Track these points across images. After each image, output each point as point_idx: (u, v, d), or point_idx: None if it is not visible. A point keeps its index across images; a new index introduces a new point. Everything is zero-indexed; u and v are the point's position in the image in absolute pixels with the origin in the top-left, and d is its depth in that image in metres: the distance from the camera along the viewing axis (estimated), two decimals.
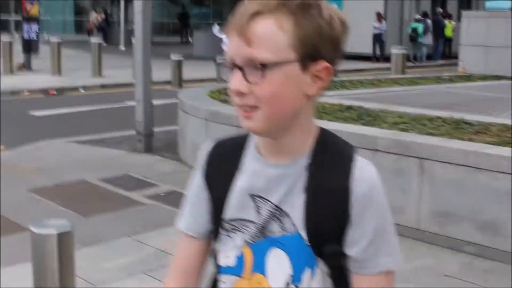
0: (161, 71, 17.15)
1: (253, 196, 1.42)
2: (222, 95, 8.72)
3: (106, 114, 12.80)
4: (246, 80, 1.31)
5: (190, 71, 18.14)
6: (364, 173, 1.37)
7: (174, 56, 16.73)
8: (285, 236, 1.39)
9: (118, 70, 19.14)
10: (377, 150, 5.80)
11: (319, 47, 1.33)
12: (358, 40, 26.54)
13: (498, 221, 5.15)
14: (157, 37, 31.69)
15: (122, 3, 29.54)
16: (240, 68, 1.31)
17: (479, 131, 6.30)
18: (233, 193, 1.44)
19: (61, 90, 16.07)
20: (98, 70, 18.42)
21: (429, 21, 26.02)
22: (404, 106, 8.07)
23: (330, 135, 1.44)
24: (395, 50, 16.64)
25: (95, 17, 34.66)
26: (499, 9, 22.01)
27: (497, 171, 5.08)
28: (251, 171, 1.43)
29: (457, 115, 7.09)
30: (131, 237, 5.55)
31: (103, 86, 17.05)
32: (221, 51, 20.29)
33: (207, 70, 18.72)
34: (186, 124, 8.08)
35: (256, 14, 1.31)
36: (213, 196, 1.48)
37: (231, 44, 1.33)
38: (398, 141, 5.74)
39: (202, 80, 17.29)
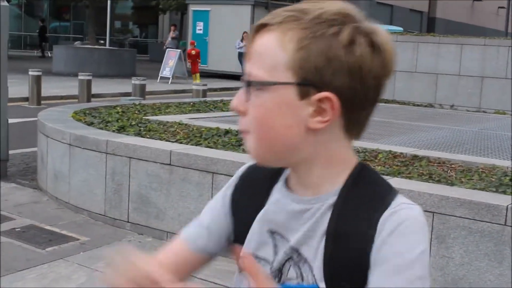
0: (18, 87, 16.10)
1: (272, 232, 1.24)
2: (88, 117, 7.97)
3: None
4: (246, 98, 1.18)
5: (50, 87, 17.25)
6: (395, 215, 1.14)
7: (32, 71, 15.62)
8: (302, 286, 1.19)
9: None
10: None
11: (324, 73, 1.12)
12: (225, 59, 26.53)
13: None
14: (14, 50, 30.08)
15: None
16: (246, 85, 1.18)
17: (366, 159, 6.00)
18: (253, 225, 1.27)
19: None
20: None
21: None
22: None
23: (367, 173, 1.22)
24: None
25: None
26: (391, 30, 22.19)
27: None
28: (273, 203, 1.26)
29: None
30: None
31: None
32: (83, 67, 19.44)
33: (68, 87, 17.89)
34: (46, 149, 7.25)
35: (262, 26, 1.18)
36: (235, 226, 1.33)
37: None
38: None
39: (62, 97, 16.70)
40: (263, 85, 1.15)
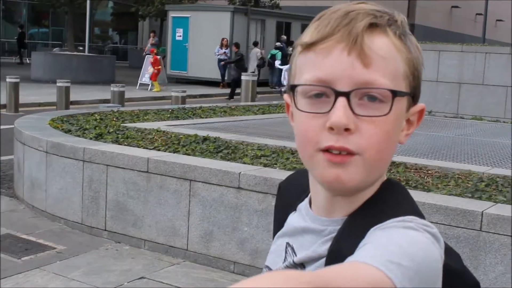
0: None
1: (288, 245, 1.17)
2: (65, 124, 7.92)
3: None
4: (353, 112, 1.00)
5: (28, 94, 17.14)
6: (381, 226, 1.01)
7: (10, 78, 15.49)
8: None
9: None
10: (241, 188, 5.33)
11: (419, 83, 1.09)
12: (205, 66, 26.50)
13: None
14: None
15: None
16: (344, 96, 0.99)
17: None
18: (276, 237, 1.23)
19: None
20: None
21: (290, 48, 26.23)
22: (261, 137, 7.69)
23: (387, 195, 1.09)
24: (246, 77, 16.43)
25: None
26: None
27: None
28: (293, 218, 1.20)
29: None
30: None
31: None
32: (62, 74, 19.32)
33: (46, 94, 17.77)
34: (23, 157, 7.20)
35: (373, 26, 1.01)
36: (273, 232, 1.28)
37: (330, 62, 1.01)
38: (264, 178, 5.28)
39: (40, 104, 16.56)
40: (400, 96, 1.03)
